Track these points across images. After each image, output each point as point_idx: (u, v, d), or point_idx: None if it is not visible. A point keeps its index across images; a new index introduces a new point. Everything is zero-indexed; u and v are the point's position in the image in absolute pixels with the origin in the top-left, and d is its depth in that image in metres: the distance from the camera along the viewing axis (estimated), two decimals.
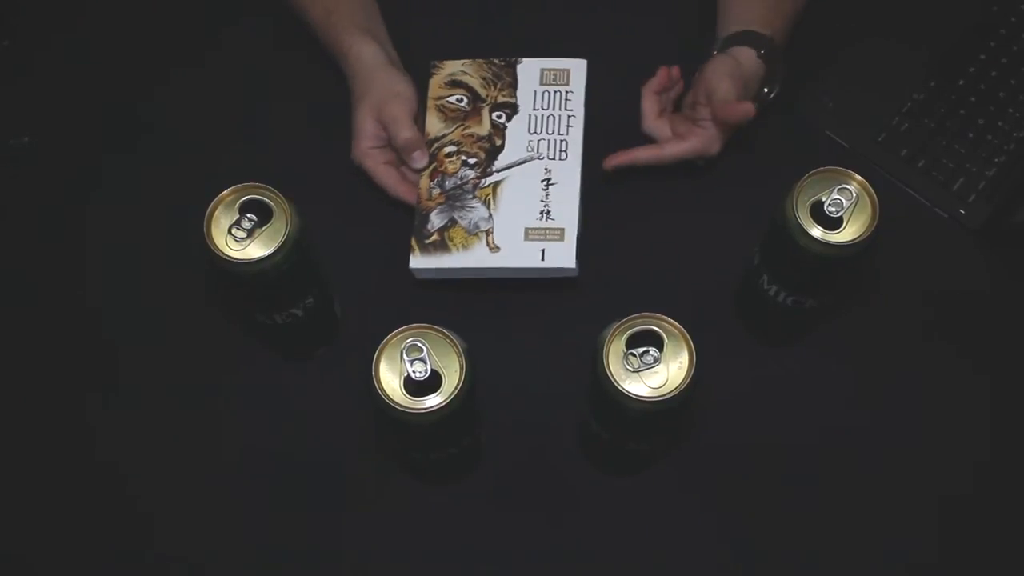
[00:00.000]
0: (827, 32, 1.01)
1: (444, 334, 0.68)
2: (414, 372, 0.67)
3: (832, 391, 0.87)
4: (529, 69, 0.91)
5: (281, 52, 1.00)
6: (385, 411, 0.67)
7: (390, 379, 0.67)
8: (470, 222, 0.85)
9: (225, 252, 0.72)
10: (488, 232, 0.85)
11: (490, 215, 0.86)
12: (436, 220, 0.86)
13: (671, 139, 0.89)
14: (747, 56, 0.88)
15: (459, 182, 0.87)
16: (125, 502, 0.84)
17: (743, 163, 0.94)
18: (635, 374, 0.68)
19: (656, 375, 0.68)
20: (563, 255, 0.84)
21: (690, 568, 0.82)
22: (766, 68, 0.89)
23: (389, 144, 0.89)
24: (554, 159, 0.87)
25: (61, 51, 1.02)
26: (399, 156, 0.90)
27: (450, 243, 0.85)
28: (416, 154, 0.88)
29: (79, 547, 0.83)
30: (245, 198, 0.73)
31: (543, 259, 0.84)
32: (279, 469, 0.85)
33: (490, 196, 0.86)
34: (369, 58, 0.89)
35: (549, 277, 0.85)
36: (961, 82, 0.99)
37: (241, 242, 0.72)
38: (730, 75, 0.86)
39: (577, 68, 0.90)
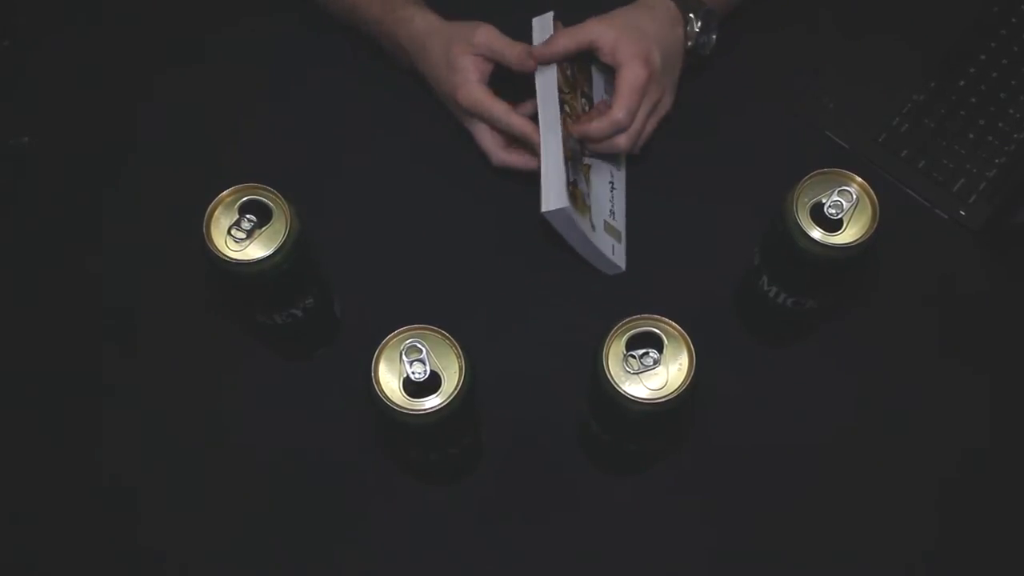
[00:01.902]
0: (827, 32, 1.01)
1: (444, 334, 0.68)
2: (413, 373, 0.67)
3: (832, 392, 0.87)
4: (595, 72, 0.92)
5: (281, 52, 1.00)
6: (384, 412, 0.67)
7: (389, 380, 0.67)
8: (582, 191, 0.86)
9: (225, 252, 0.72)
10: (589, 208, 0.87)
11: (588, 193, 0.87)
12: (570, 172, 0.84)
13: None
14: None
15: (574, 146, 0.86)
16: (124, 502, 0.84)
17: (743, 164, 0.95)
18: (635, 376, 0.68)
19: (656, 377, 0.67)
20: (621, 255, 0.90)
21: (690, 568, 0.82)
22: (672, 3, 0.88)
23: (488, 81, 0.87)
24: (613, 165, 0.91)
25: (61, 51, 1.02)
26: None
27: (575, 202, 0.84)
28: (531, 61, 0.85)
29: (78, 546, 0.83)
30: (245, 199, 0.73)
31: (612, 253, 0.88)
32: (279, 469, 0.84)
33: (587, 176, 0.88)
34: (436, 18, 0.90)
35: (602, 268, 0.90)
36: (961, 82, 0.99)
37: (241, 243, 0.72)
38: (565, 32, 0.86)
39: None
